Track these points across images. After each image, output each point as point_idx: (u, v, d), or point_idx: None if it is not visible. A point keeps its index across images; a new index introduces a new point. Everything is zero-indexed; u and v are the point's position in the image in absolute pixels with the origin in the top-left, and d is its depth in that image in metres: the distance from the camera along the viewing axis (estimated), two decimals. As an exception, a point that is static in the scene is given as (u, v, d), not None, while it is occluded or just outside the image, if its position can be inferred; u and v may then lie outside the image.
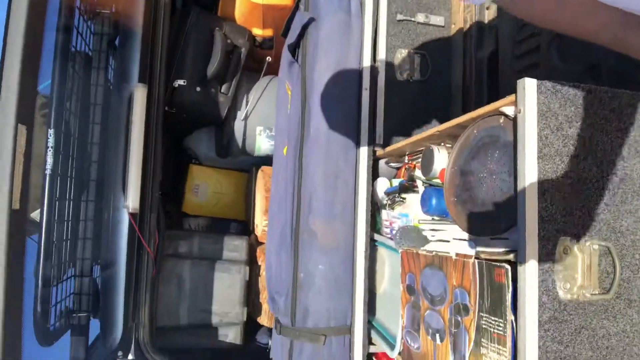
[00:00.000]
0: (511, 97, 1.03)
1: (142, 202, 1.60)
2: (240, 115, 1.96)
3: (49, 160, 1.66)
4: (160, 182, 2.29)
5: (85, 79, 1.81)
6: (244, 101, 1.96)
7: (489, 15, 1.73)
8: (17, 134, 1.03)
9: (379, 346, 1.62)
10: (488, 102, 1.71)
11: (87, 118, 1.83)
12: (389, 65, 1.75)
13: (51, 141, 1.65)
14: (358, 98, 1.69)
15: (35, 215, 1.80)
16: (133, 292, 1.56)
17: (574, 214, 0.97)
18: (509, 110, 1.06)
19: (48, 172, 1.66)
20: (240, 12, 1.90)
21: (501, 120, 1.10)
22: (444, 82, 1.81)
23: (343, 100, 1.67)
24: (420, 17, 1.76)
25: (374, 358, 1.78)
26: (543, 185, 0.95)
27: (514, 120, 1.03)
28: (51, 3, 1.45)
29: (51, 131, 1.65)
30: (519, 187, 0.97)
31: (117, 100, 1.61)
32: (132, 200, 1.54)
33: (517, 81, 0.99)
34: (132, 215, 1.56)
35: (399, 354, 1.47)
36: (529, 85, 0.97)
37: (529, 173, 0.96)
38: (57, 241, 1.71)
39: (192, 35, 1.77)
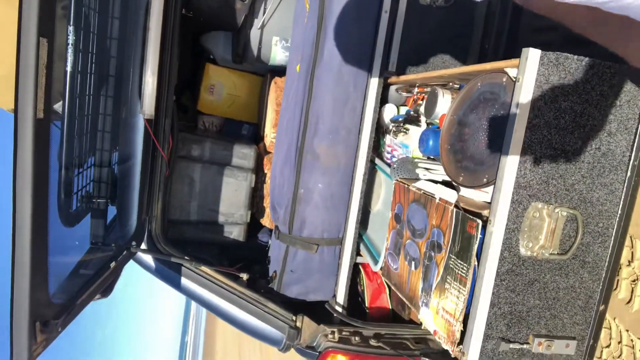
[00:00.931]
0: (515, 61, 1.04)
1: (157, 108, 1.67)
2: (257, 23, 1.94)
3: (70, 57, 1.71)
4: (177, 81, 2.34)
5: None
6: (262, 9, 1.93)
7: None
8: (39, 47, 1.09)
9: (365, 258, 1.79)
10: (507, 42, 1.68)
11: (106, 13, 1.83)
12: (413, -12, 1.69)
13: (71, 38, 1.68)
14: (376, 21, 1.66)
15: (58, 106, 1.90)
16: (147, 189, 1.71)
17: (550, 183, 1.04)
18: (512, 72, 1.08)
19: (69, 68, 1.72)
20: None
21: (504, 79, 1.12)
22: (468, 9, 1.75)
23: (361, 23, 1.65)
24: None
25: (360, 266, 1.98)
26: (526, 154, 1.01)
27: (514, 84, 1.06)
28: None
29: (71, 28, 1.68)
30: (504, 151, 1.03)
31: (138, 6, 1.61)
32: (147, 107, 1.62)
33: (522, 50, 1.00)
34: (147, 120, 1.65)
35: (380, 269, 1.64)
36: (532, 56, 0.98)
37: (515, 140, 1.01)
38: (78, 132, 1.83)
39: (212, -63, 1.70)
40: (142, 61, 1.59)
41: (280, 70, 2.19)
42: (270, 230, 2.16)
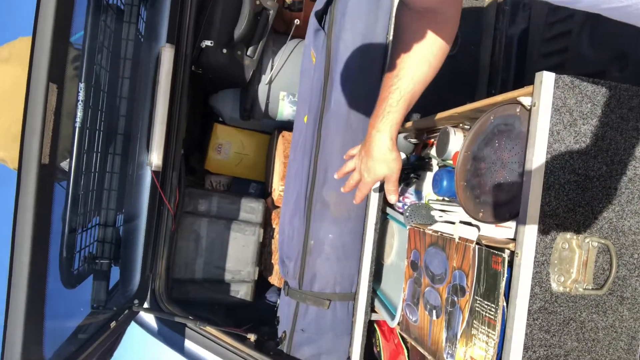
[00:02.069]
0: (529, 88, 1.03)
1: (165, 160, 1.66)
2: (265, 79, 1.98)
3: (79, 113, 1.72)
4: (186, 139, 2.37)
5: (117, 33, 1.85)
6: (270, 65, 1.97)
7: (525, -8, 1.67)
8: (48, 93, 1.08)
9: (380, 314, 1.68)
10: (514, 84, 1.69)
11: (117, 72, 1.87)
12: (417, 39, 1.72)
13: (82, 95, 1.71)
14: (382, 71, 1.68)
15: (64, 164, 1.89)
16: (152, 245, 1.65)
17: (576, 211, 0.98)
18: (526, 101, 1.06)
19: (77, 124, 1.73)
20: (270, -26, 1.89)
21: (518, 110, 1.10)
22: (472, 59, 1.78)
23: (367, 72, 1.67)
24: (453, -9, 1.71)
25: (375, 325, 1.86)
26: (549, 180, 0.96)
27: (530, 110, 1.03)
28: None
29: (82, 85, 1.71)
30: (526, 179, 0.98)
31: (146, 57, 1.64)
32: (155, 158, 1.61)
33: (536, 74, 0.98)
34: (154, 172, 1.62)
35: (398, 324, 1.53)
36: (546, 79, 0.96)
37: (537, 167, 0.96)
38: (84, 191, 1.80)
39: (221, -4, 1.78)
40: (150, 114, 1.60)
41: (288, 127, 2.20)
42: (279, 289, 2.06)
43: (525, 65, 1.56)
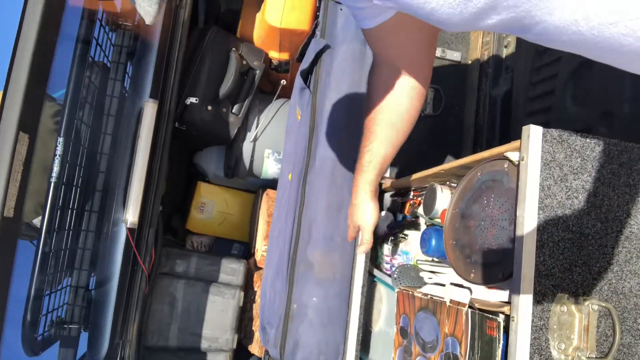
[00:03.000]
0: (516, 143, 1.00)
1: (142, 217, 1.59)
2: (250, 136, 1.96)
3: (56, 168, 1.67)
4: (169, 199, 2.30)
5: (101, 90, 1.83)
6: (255, 123, 1.96)
7: (507, 55, 1.70)
8: (17, 142, 1.03)
9: (369, 387, 1.56)
10: (500, 143, 1.68)
11: (99, 128, 1.84)
12: (401, 98, 1.73)
13: (60, 149, 1.66)
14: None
15: (37, 221, 1.80)
16: (123, 308, 1.54)
17: (573, 271, 0.92)
18: (514, 156, 1.03)
19: (53, 179, 1.67)
20: (258, 34, 1.92)
21: (505, 165, 1.07)
22: (456, 119, 1.78)
23: (352, 130, 1.65)
24: (437, 51, 1.75)
25: (363, 398, 1.72)
26: (542, 237, 0.91)
27: (518, 165, 1.00)
28: (70, 11, 1.48)
29: (60, 139, 1.66)
30: (518, 236, 0.93)
31: (129, 112, 1.62)
32: (131, 214, 1.54)
33: (523, 128, 0.96)
34: (129, 229, 1.55)
35: (388, 397, 1.41)
36: (534, 133, 0.93)
37: (529, 223, 0.91)
38: (56, 250, 1.71)
39: (208, 54, 1.79)
40: (129, 169, 1.55)
41: (272, 185, 2.16)
42: (259, 359, 1.92)
43: (511, 124, 1.56)
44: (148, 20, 0.58)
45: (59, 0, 1.14)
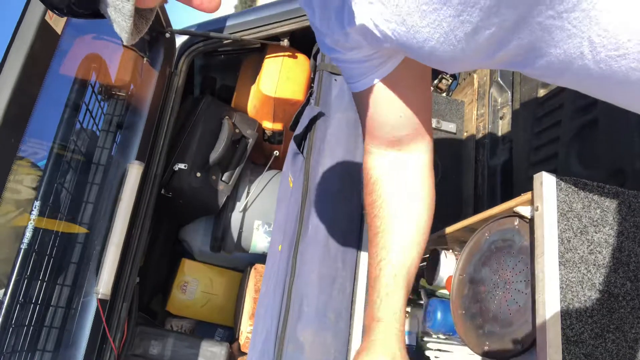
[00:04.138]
0: (527, 195, 0.92)
1: (115, 289, 1.44)
2: (239, 206, 1.87)
3: (28, 234, 1.55)
4: (151, 278, 2.15)
5: (87, 157, 1.77)
6: (245, 193, 1.89)
7: (503, 125, 1.68)
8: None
9: None
10: (502, 194, 1.61)
11: (81, 196, 1.75)
12: (397, 167, 1.68)
13: (35, 214, 1.55)
14: (361, 196, 1.59)
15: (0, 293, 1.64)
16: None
17: (606, 338, 0.79)
18: (525, 211, 0.95)
19: (24, 246, 1.55)
20: (252, 104, 1.92)
21: (516, 223, 0.98)
22: (455, 188, 1.72)
23: (346, 198, 1.57)
24: (432, 122, 1.73)
25: None
26: (567, 297, 0.80)
27: (531, 221, 0.91)
28: (60, 76, 1.46)
29: (37, 203, 1.56)
30: (538, 299, 0.82)
31: (113, 175, 1.54)
32: (103, 285, 1.40)
33: (534, 176, 0.89)
34: (101, 301, 1.40)
35: None
36: (547, 181, 0.86)
37: (550, 281, 0.81)
38: (18, 326, 1.53)
39: (201, 121, 1.76)
40: (106, 234, 1.44)
41: (262, 261, 2.03)
42: None
43: (514, 191, 1.49)
44: (125, 38, 0.51)
45: (46, 54, 1.10)
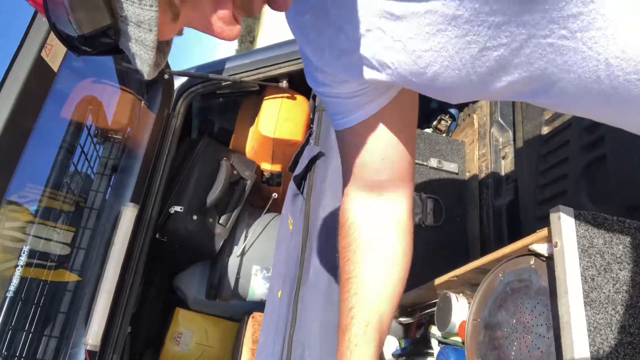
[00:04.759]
0: (543, 232, 0.87)
1: (105, 340, 1.36)
2: (237, 250, 1.80)
3: (15, 280, 1.48)
4: (143, 330, 2.04)
5: (80, 200, 1.72)
6: (243, 236, 1.82)
7: (506, 165, 1.66)
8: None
9: None
10: (509, 235, 1.55)
11: (73, 242, 1.69)
12: (400, 208, 1.64)
13: (23, 259, 1.49)
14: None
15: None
16: None
17: (642, 386, 0.72)
18: (542, 249, 0.89)
19: (10, 294, 1.47)
20: (251, 145, 1.89)
21: (532, 262, 0.92)
22: (460, 229, 1.67)
23: (348, 241, 1.52)
24: (433, 162, 1.70)
25: None
26: (596, 341, 0.74)
27: (549, 259, 0.86)
28: (55, 117, 1.44)
29: (26, 248, 1.50)
30: (564, 342, 0.75)
31: (106, 218, 1.49)
32: (93, 335, 1.31)
33: (551, 210, 0.84)
34: (89, 352, 1.31)
35: None
36: (565, 215, 0.81)
37: (577, 324, 0.74)
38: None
39: (198, 163, 1.73)
40: (97, 280, 1.37)
41: (260, 309, 1.94)
42: None
43: (521, 231, 1.45)
44: (146, 72, 0.48)
45: (41, 90, 1.07)
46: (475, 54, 0.57)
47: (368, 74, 0.66)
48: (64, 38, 0.49)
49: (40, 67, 0.96)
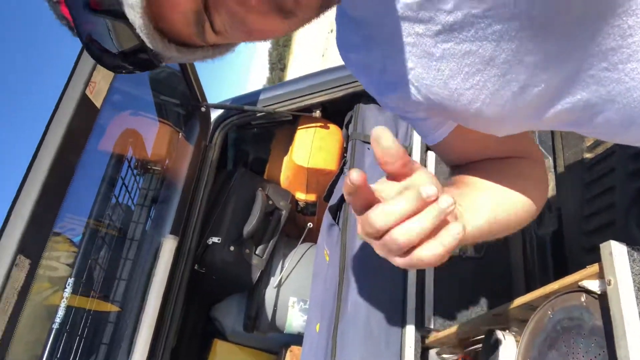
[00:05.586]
0: (593, 268, 0.83)
1: (147, 372, 1.37)
2: (274, 282, 1.80)
3: (60, 312, 1.51)
4: (180, 356, 2.05)
5: (122, 232, 1.77)
6: (279, 267, 1.82)
7: (548, 191, 1.60)
8: (13, 265, 0.91)
9: None
10: (555, 272, 1.49)
11: (114, 272, 1.72)
12: (439, 238, 1.60)
13: (68, 292, 1.53)
14: (404, 271, 1.50)
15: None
16: None
17: None
18: (593, 285, 0.85)
19: (55, 326, 1.51)
20: (285, 175, 1.91)
21: (583, 299, 0.88)
22: (502, 260, 1.61)
23: (387, 273, 1.49)
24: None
25: None
26: (661, 388, 0.69)
27: (602, 297, 0.81)
28: (97, 151, 1.49)
29: (71, 280, 1.54)
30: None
31: (147, 250, 1.51)
32: (136, 369, 1.32)
33: (601, 246, 0.80)
34: (130, 387, 1.32)
35: None
36: (617, 250, 0.78)
37: (637, 367, 0.70)
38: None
39: (234, 194, 1.75)
40: (138, 313, 1.38)
41: (297, 342, 1.92)
42: None
43: (568, 263, 1.39)
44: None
45: (85, 127, 1.11)
46: (516, 90, 0.57)
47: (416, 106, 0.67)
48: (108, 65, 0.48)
49: (84, 104, 1.00)
